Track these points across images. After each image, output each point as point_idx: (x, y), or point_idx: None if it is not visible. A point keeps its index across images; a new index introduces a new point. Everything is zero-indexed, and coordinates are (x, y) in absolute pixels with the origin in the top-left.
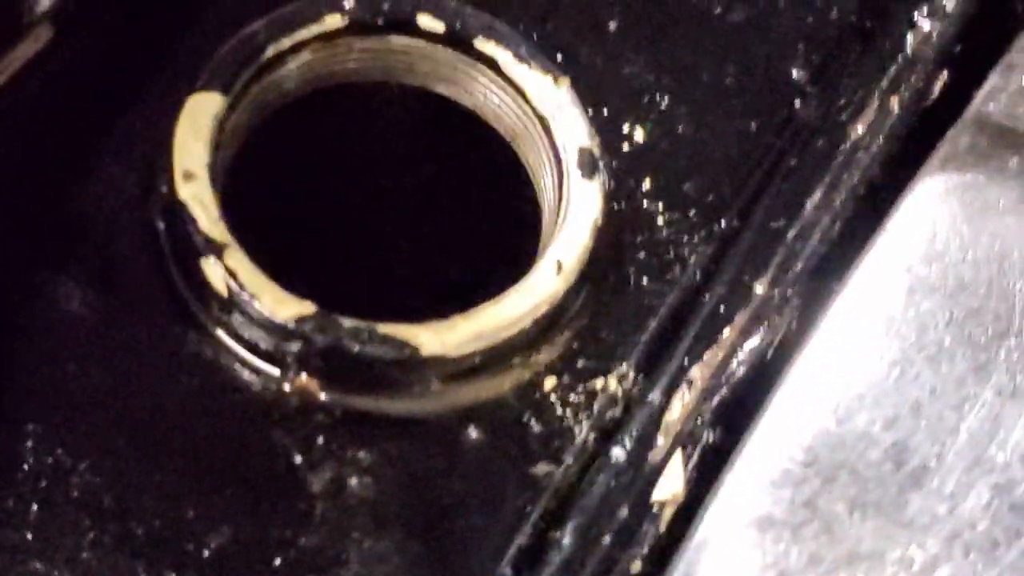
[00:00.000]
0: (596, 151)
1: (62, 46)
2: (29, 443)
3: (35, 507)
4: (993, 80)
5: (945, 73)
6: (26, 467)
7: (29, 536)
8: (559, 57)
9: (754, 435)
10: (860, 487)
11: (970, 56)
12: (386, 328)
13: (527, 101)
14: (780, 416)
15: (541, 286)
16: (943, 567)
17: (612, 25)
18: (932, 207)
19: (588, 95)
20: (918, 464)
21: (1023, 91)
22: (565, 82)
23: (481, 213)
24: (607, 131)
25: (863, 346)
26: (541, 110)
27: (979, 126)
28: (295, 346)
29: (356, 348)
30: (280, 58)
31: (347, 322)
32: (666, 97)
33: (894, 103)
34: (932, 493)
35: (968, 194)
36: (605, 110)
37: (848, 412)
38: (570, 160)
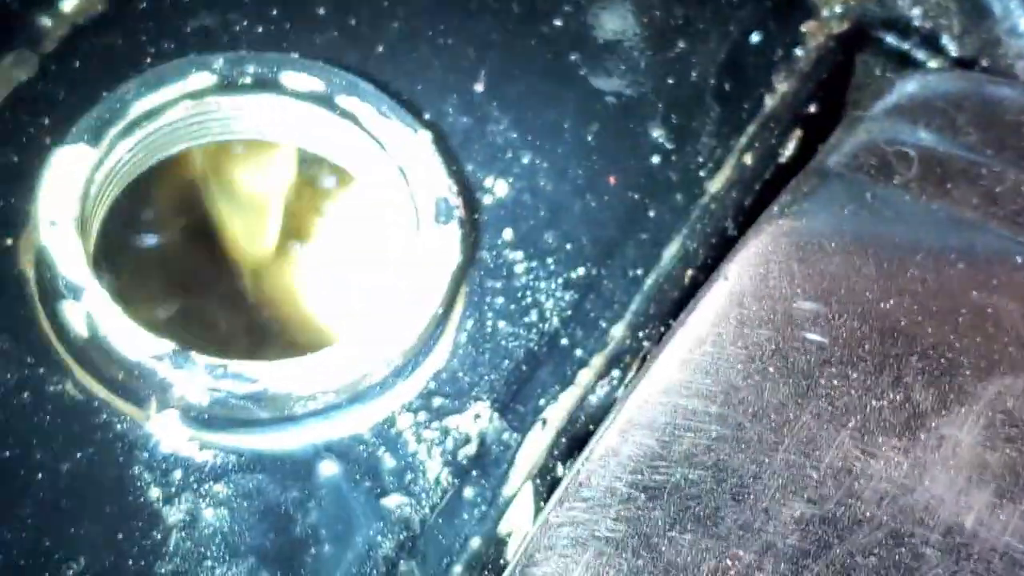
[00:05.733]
0: (451, 199)
1: None
2: None
3: None
4: (837, 134)
5: (798, 132)
6: None
7: None
8: (427, 116)
9: (586, 460)
10: (680, 503)
11: (824, 115)
12: (238, 365)
13: (387, 153)
14: (611, 442)
15: (393, 326)
16: None
17: (479, 87)
18: (767, 249)
19: (452, 152)
20: (736, 482)
21: (863, 144)
22: (426, 135)
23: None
24: (471, 185)
25: (693, 377)
26: (399, 161)
27: (820, 176)
28: (152, 383)
29: (209, 383)
30: (150, 115)
31: (201, 359)
32: (528, 153)
33: (749, 159)
34: (748, 508)
35: (803, 237)
36: (469, 166)
37: (675, 436)
38: (427, 208)
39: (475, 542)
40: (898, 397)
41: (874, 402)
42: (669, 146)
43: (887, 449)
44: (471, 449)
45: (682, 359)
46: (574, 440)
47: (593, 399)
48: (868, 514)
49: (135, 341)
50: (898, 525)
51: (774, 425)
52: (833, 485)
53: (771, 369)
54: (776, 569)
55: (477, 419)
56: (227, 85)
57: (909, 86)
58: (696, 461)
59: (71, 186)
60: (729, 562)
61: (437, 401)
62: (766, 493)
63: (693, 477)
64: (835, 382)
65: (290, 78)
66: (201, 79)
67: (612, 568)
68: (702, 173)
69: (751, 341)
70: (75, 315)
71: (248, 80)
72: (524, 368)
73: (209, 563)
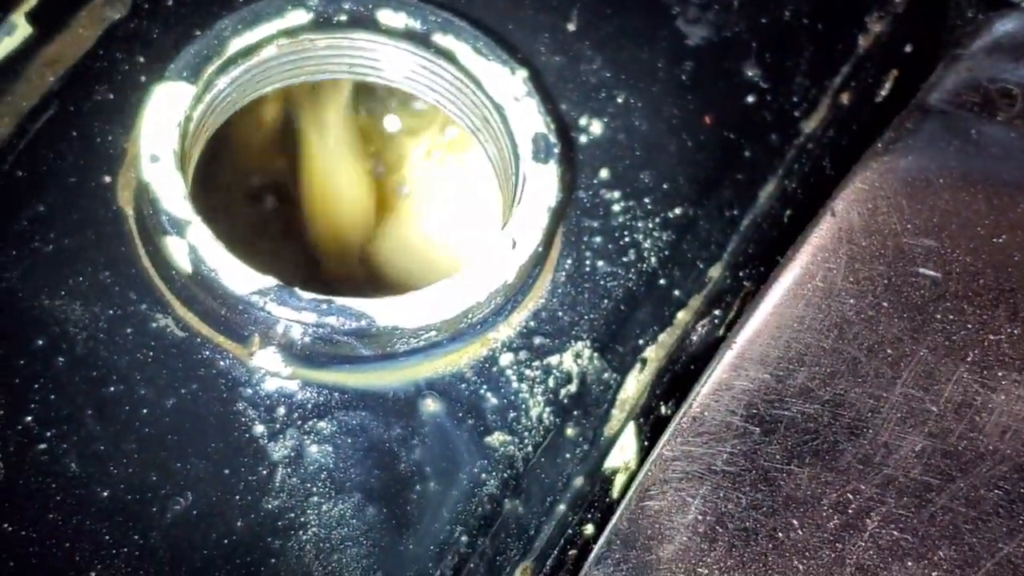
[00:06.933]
0: (551, 137)
1: (42, 41)
2: None
3: (2, 470)
4: (938, 73)
5: (894, 72)
6: None
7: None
8: (519, 55)
9: (698, 395)
10: (798, 438)
11: (919, 54)
12: (343, 301)
13: (484, 91)
14: (724, 377)
15: (495, 263)
16: (877, 510)
17: (571, 26)
18: (875, 185)
19: (548, 91)
20: (855, 416)
21: (965, 82)
22: (522, 73)
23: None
24: (566, 124)
25: (805, 311)
26: (498, 99)
27: (922, 113)
28: (255, 319)
29: (313, 319)
30: (246, 52)
31: (306, 295)
32: (622, 93)
33: (845, 99)
34: (867, 442)
35: (910, 173)
36: (564, 105)
37: (788, 370)
38: (525, 146)
39: (578, 481)
40: (1016, 331)
41: (991, 336)
42: (764, 86)
43: (1007, 383)
44: (572, 388)
45: (792, 294)
46: (675, 380)
47: (694, 339)
48: (991, 447)
49: (239, 277)
50: (1022, 459)
51: (891, 359)
52: (954, 419)
53: (885, 304)
54: (899, 502)
55: (577, 359)
56: (322, 23)
57: (1007, 25)
58: (812, 395)
59: (171, 122)
60: (850, 496)
61: (537, 340)
62: (885, 427)
63: (810, 411)
64: (951, 316)
65: (386, 16)
66: (297, 16)
67: (730, 502)
68: (797, 113)
69: (862, 276)
70: (178, 251)
71: (343, 18)
72: (623, 308)
73: (315, 499)
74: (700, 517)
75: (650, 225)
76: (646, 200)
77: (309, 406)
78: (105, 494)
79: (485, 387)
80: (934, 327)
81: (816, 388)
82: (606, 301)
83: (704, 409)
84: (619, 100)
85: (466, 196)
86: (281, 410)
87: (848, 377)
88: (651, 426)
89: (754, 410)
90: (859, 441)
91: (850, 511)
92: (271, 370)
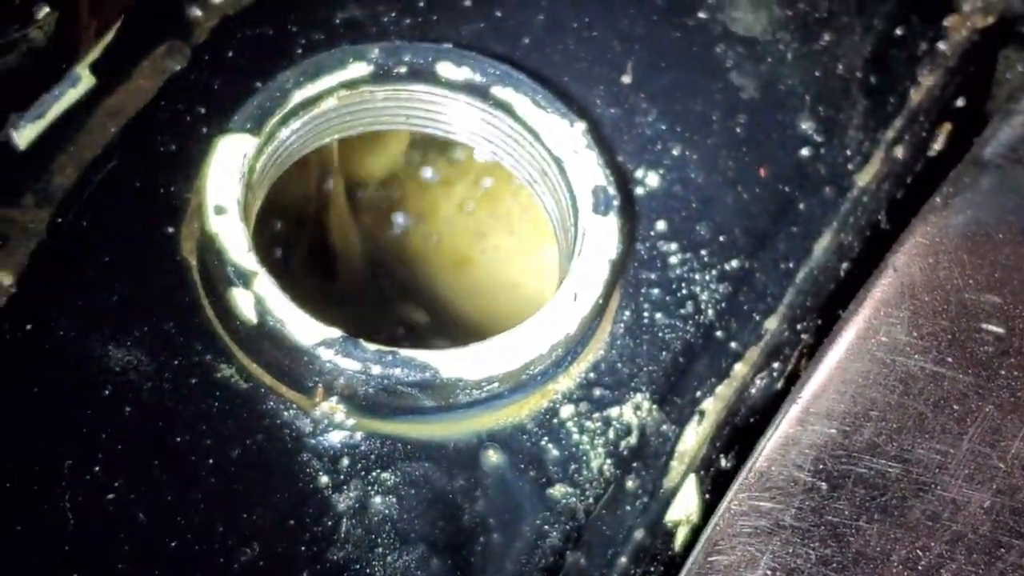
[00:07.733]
0: (610, 189)
1: (104, 92)
2: (68, 462)
3: (72, 521)
4: (992, 127)
5: (948, 125)
6: (64, 483)
7: (67, 548)
8: (575, 107)
9: (764, 449)
10: (866, 493)
11: (971, 108)
12: (407, 352)
13: (543, 144)
14: (790, 431)
15: (556, 315)
16: (947, 567)
17: (627, 79)
18: (935, 240)
19: (605, 143)
20: (922, 472)
21: (1020, 137)
22: (581, 125)
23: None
24: (623, 176)
25: (869, 366)
26: (557, 152)
27: (978, 167)
28: (320, 370)
29: (378, 371)
30: (307, 104)
31: (371, 346)
32: (678, 145)
33: (899, 153)
34: (936, 499)
35: (969, 227)
36: (620, 157)
37: (855, 425)
38: (584, 199)
39: (639, 533)
40: None
41: None
42: (818, 139)
43: None
44: (632, 440)
45: (857, 349)
46: (735, 432)
47: (752, 391)
48: None
49: (305, 328)
50: None
51: (957, 415)
52: (1021, 476)
53: (949, 359)
54: (968, 559)
55: (637, 410)
56: (382, 75)
57: None
58: (879, 451)
59: (235, 174)
60: (920, 552)
61: (597, 392)
62: (953, 483)
63: (877, 467)
64: (1016, 373)
65: (446, 68)
66: (358, 69)
67: (799, 557)
68: (851, 166)
69: (926, 332)
70: (244, 302)
71: (403, 70)
72: (681, 360)
73: (380, 550)
74: (769, 572)
75: (707, 277)
76: (703, 252)
77: (372, 457)
78: (173, 544)
79: (546, 439)
80: (999, 383)
81: (883, 443)
82: (664, 353)
83: (771, 463)
84: (675, 152)
85: (497, 246)
86: (345, 461)
87: (915, 433)
88: (712, 479)
89: (821, 465)
90: (927, 497)
91: (920, 567)
92: (335, 421)
